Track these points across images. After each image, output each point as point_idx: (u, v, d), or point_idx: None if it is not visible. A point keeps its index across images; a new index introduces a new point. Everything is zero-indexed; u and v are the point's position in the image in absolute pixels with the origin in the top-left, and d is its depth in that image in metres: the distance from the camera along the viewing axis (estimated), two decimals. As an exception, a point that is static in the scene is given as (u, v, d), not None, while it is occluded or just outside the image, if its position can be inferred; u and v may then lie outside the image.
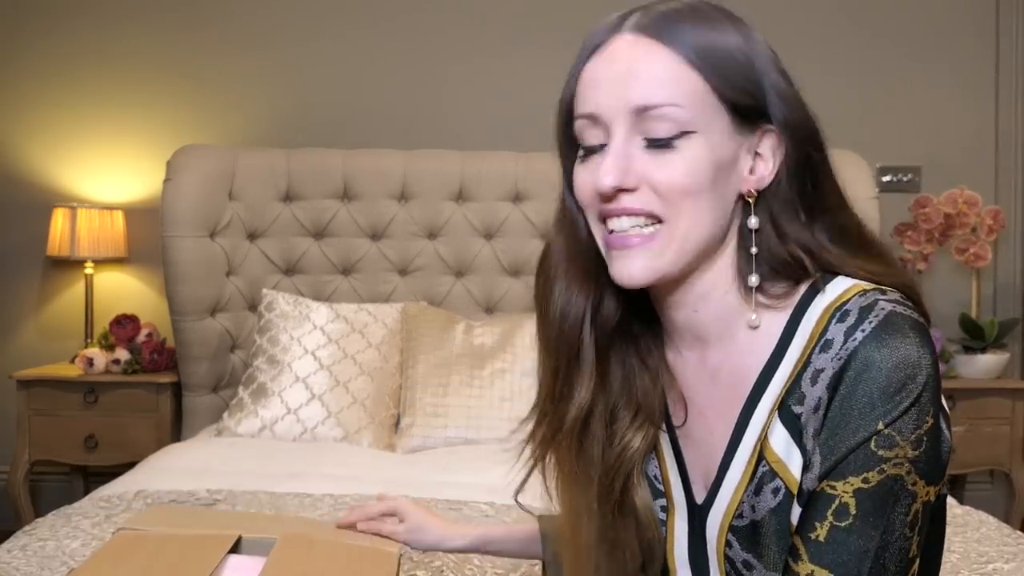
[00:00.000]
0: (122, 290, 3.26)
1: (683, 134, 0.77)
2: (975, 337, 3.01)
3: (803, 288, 0.81)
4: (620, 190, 0.78)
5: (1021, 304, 3.29)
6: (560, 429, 0.87)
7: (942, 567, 1.53)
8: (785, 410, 0.78)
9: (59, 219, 3.07)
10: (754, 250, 0.80)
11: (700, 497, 0.86)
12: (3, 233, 3.28)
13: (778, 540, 0.78)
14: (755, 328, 0.82)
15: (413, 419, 2.49)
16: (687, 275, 0.82)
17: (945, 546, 1.63)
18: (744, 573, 0.82)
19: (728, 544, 0.82)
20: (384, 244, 2.95)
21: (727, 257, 0.82)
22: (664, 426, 0.90)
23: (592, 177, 0.79)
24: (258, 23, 3.27)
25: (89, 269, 3.15)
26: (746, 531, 0.81)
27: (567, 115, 0.83)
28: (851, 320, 0.75)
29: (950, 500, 1.96)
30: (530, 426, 0.91)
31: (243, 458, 2.28)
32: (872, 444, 0.72)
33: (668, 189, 0.77)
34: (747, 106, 0.79)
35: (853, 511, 0.72)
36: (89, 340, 3.13)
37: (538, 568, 1.32)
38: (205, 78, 3.27)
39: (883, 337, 0.73)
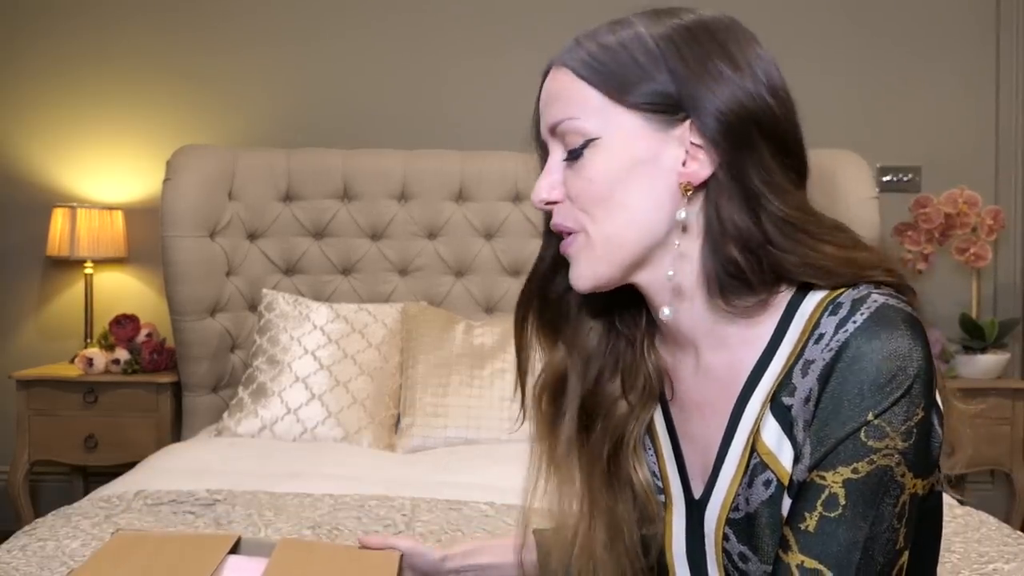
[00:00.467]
0: (122, 290, 3.26)
1: (588, 143, 0.81)
2: (975, 337, 3.01)
3: (783, 292, 0.80)
4: (550, 203, 0.84)
5: (1021, 304, 3.29)
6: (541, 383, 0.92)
7: (943, 567, 1.53)
8: (776, 402, 0.78)
9: (59, 219, 3.07)
10: (677, 243, 0.80)
11: (698, 492, 0.87)
12: (3, 233, 3.29)
13: (771, 532, 0.79)
14: (745, 326, 0.81)
15: (413, 419, 2.49)
16: (646, 276, 0.83)
17: (945, 546, 1.63)
18: (740, 565, 0.82)
19: (725, 537, 0.83)
20: (384, 244, 2.95)
21: (681, 254, 0.81)
22: (663, 425, 0.91)
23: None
24: (258, 23, 3.27)
25: (89, 269, 3.15)
26: (742, 524, 0.81)
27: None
28: (843, 312, 0.75)
29: (951, 500, 1.96)
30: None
31: (243, 458, 2.28)
32: (862, 435, 0.72)
33: (580, 198, 0.82)
34: (656, 103, 0.79)
35: (843, 501, 0.72)
36: (89, 340, 3.13)
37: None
38: (205, 78, 3.27)
39: (874, 329, 0.73)
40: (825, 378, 0.74)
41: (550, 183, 0.84)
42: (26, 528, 1.73)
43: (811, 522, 0.73)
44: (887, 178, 3.28)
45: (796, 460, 0.77)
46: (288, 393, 2.54)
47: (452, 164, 2.95)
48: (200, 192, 2.81)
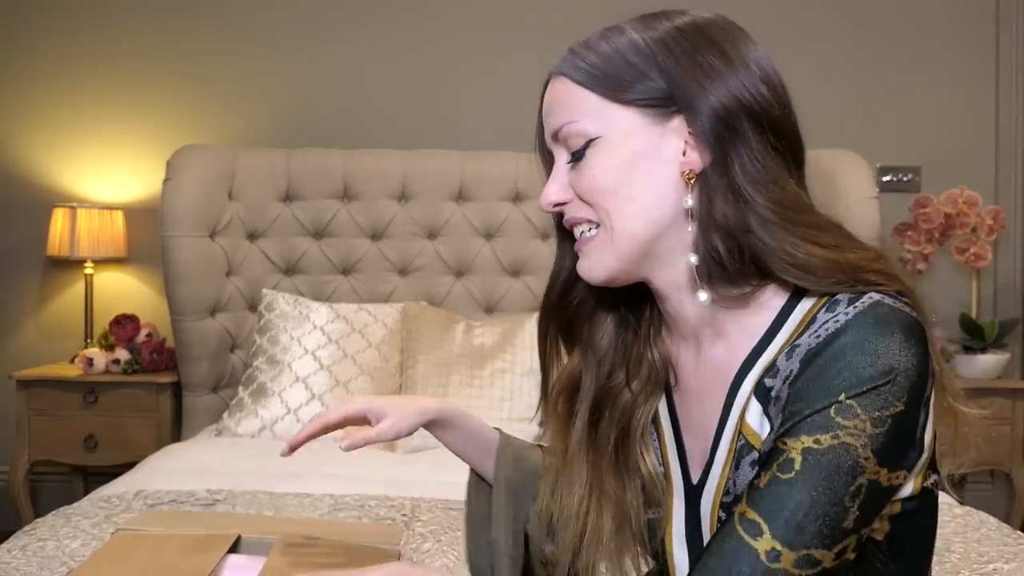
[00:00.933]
0: (122, 290, 3.26)
1: (590, 143, 0.84)
2: (975, 337, 3.01)
3: (777, 290, 0.82)
4: (559, 204, 0.88)
5: (1021, 304, 3.29)
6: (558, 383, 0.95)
7: (943, 567, 1.53)
8: (760, 385, 0.81)
9: (59, 219, 3.07)
10: (689, 229, 0.82)
11: (696, 478, 0.89)
12: (3, 233, 3.29)
13: None
14: (744, 319, 0.83)
15: (413, 419, 2.49)
16: (653, 266, 0.85)
17: (945, 546, 1.63)
18: None
19: (720, 521, 0.84)
20: (384, 244, 2.95)
21: (688, 242, 0.83)
22: (667, 413, 0.93)
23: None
24: (258, 23, 3.27)
25: (89, 269, 3.15)
26: (733, 507, 0.82)
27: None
28: (839, 307, 0.77)
29: (951, 500, 1.95)
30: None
31: (243, 458, 2.28)
32: (831, 411, 0.73)
33: (586, 194, 0.85)
34: (651, 98, 0.82)
35: (797, 467, 0.73)
36: (89, 340, 3.13)
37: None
38: (205, 78, 3.27)
39: (866, 322, 0.74)
40: (808, 361, 0.76)
41: (557, 186, 0.88)
42: (26, 528, 1.73)
43: (763, 480, 0.75)
44: (887, 178, 3.28)
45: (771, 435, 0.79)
46: (288, 393, 2.54)
47: (452, 164, 2.95)
48: (200, 192, 2.81)
